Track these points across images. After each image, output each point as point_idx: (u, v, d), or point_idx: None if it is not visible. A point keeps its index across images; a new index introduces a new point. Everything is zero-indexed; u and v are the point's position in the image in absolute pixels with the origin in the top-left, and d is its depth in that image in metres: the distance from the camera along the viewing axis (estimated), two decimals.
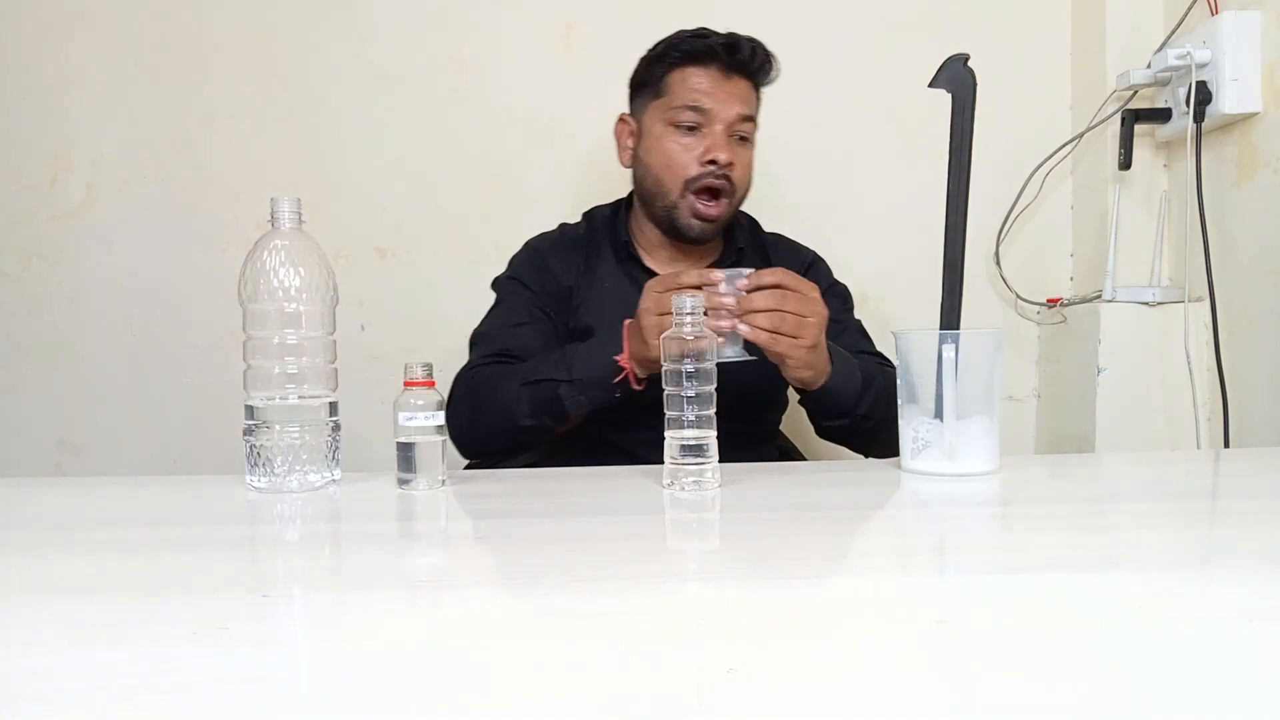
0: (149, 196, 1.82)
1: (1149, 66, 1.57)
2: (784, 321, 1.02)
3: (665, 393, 0.90)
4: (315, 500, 0.88)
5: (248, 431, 0.91)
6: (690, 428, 0.89)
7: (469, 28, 1.81)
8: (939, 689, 0.43)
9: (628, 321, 1.10)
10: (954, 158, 0.96)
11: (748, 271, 1.05)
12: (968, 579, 0.62)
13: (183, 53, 1.81)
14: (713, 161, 1.23)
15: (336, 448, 0.94)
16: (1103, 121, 1.68)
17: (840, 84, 1.80)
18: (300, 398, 0.91)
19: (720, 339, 1.00)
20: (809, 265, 1.38)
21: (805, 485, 0.98)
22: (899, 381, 0.98)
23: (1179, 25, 1.58)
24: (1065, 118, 1.79)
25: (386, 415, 0.93)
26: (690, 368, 0.88)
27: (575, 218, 1.43)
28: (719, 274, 1.04)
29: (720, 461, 0.91)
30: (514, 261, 1.38)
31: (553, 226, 1.42)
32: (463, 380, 1.23)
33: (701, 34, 1.26)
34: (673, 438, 0.90)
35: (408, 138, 1.82)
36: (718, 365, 0.91)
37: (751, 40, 1.26)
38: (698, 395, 0.89)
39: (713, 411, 0.90)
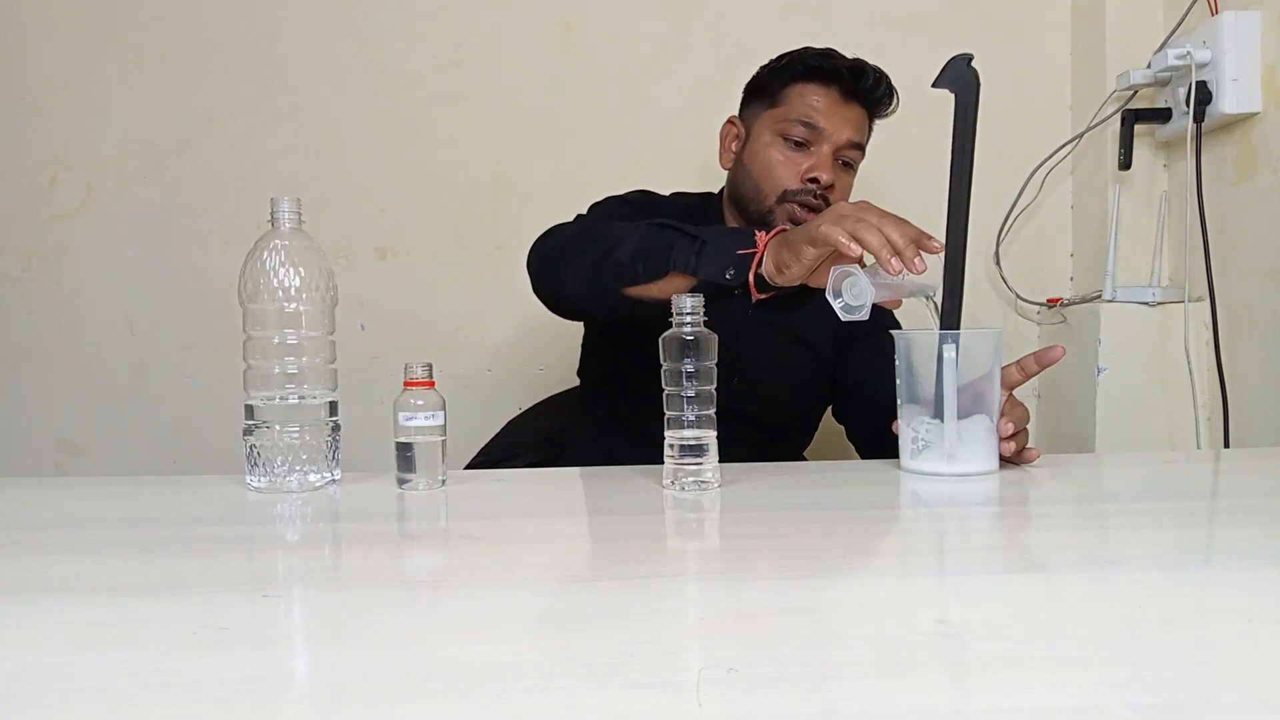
0: (149, 196, 1.82)
1: (1149, 66, 1.57)
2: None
3: (665, 393, 0.90)
4: (315, 500, 0.88)
5: (247, 431, 0.91)
6: (690, 428, 0.89)
7: (469, 28, 1.81)
8: (939, 689, 0.43)
9: (782, 227, 1.00)
10: (956, 158, 0.95)
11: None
12: (968, 579, 0.62)
13: (183, 53, 1.81)
14: (814, 180, 1.23)
15: (336, 448, 0.94)
16: (1103, 121, 1.68)
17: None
18: (300, 398, 0.91)
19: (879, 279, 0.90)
20: None
21: (805, 485, 0.98)
22: (898, 382, 0.98)
23: (1179, 25, 1.58)
24: (1065, 118, 1.79)
25: (386, 415, 0.93)
26: (690, 367, 0.88)
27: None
28: (939, 245, 0.93)
29: (722, 461, 0.91)
30: (624, 194, 1.32)
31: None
32: (583, 216, 1.20)
33: (828, 54, 1.26)
34: (673, 437, 0.90)
35: (408, 138, 1.82)
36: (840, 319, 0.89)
37: (878, 71, 1.25)
38: (698, 395, 0.89)
39: (713, 411, 0.90)
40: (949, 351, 0.93)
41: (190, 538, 0.77)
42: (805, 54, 1.26)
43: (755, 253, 0.95)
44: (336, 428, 0.94)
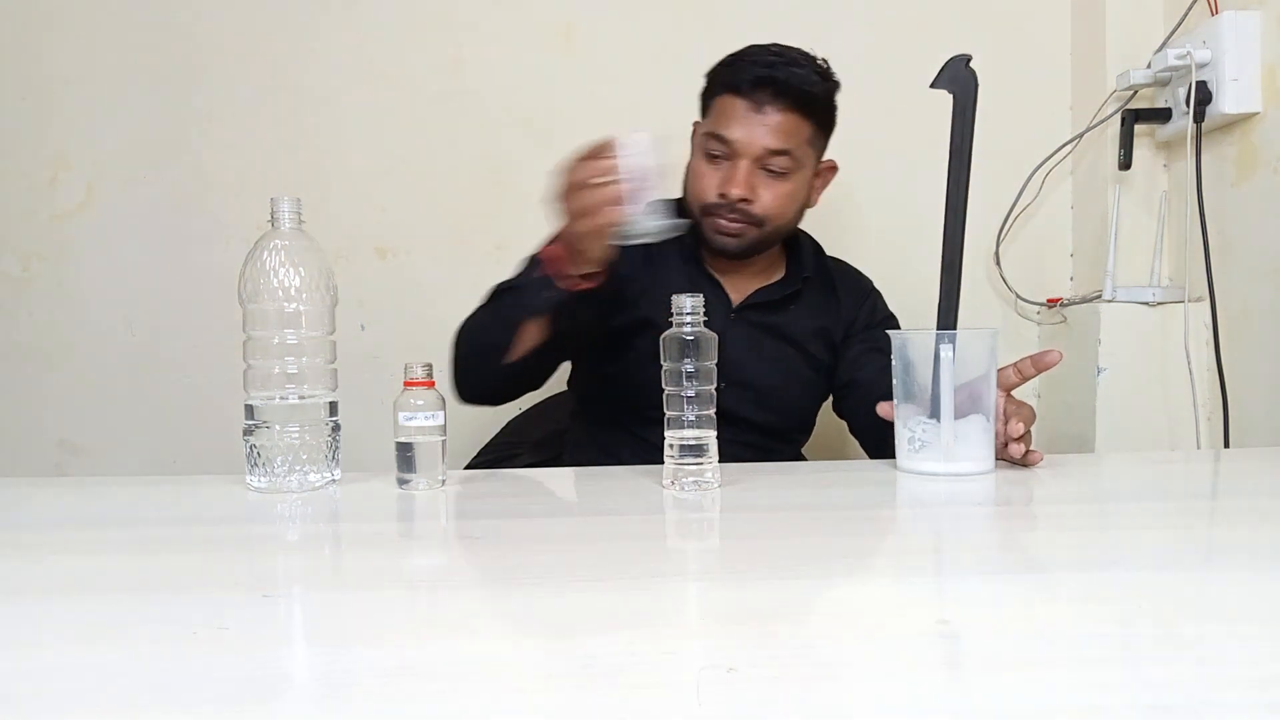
0: (149, 196, 1.82)
1: (1149, 66, 1.57)
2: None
3: (665, 393, 0.90)
4: (315, 500, 0.88)
5: (248, 431, 0.91)
6: (690, 428, 0.89)
7: (469, 28, 1.81)
8: (939, 689, 0.43)
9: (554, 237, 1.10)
10: (954, 159, 0.95)
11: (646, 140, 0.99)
12: (968, 579, 0.62)
13: (182, 53, 1.81)
14: (724, 195, 1.22)
15: (336, 448, 0.94)
16: (1103, 121, 1.68)
17: (840, 83, 1.80)
18: (300, 398, 0.91)
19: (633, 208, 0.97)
20: (868, 294, 1.39)
21: (805, 485, 0.98)
22: (894, 381, 0.98)
23: (1179, 25, 1.58)
24: (1065, 118, 1.79)
25: (386, 415, 0.93)
26: (690, 367, 0.88)
27: None
28: (638, 140, 0.99)
29: (720, 462, 0.91)
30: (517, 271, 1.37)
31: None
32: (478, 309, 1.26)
33: (748, 59, 1.23)
34: (673, 437, 0.90)
35: (408, 138, 1.82)
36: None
37: (795, 70, 1.21)
38: (698, 395, 0.89)
39: (713, 411, 0.90)
40: (945, 351, 0.93)
41: (190, 538, 0.77)
42: (728, 62, 1.25)
43: (545, 272, 1.08)
44: (336, 428, 0.94)
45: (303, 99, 1.81)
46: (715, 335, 0.90)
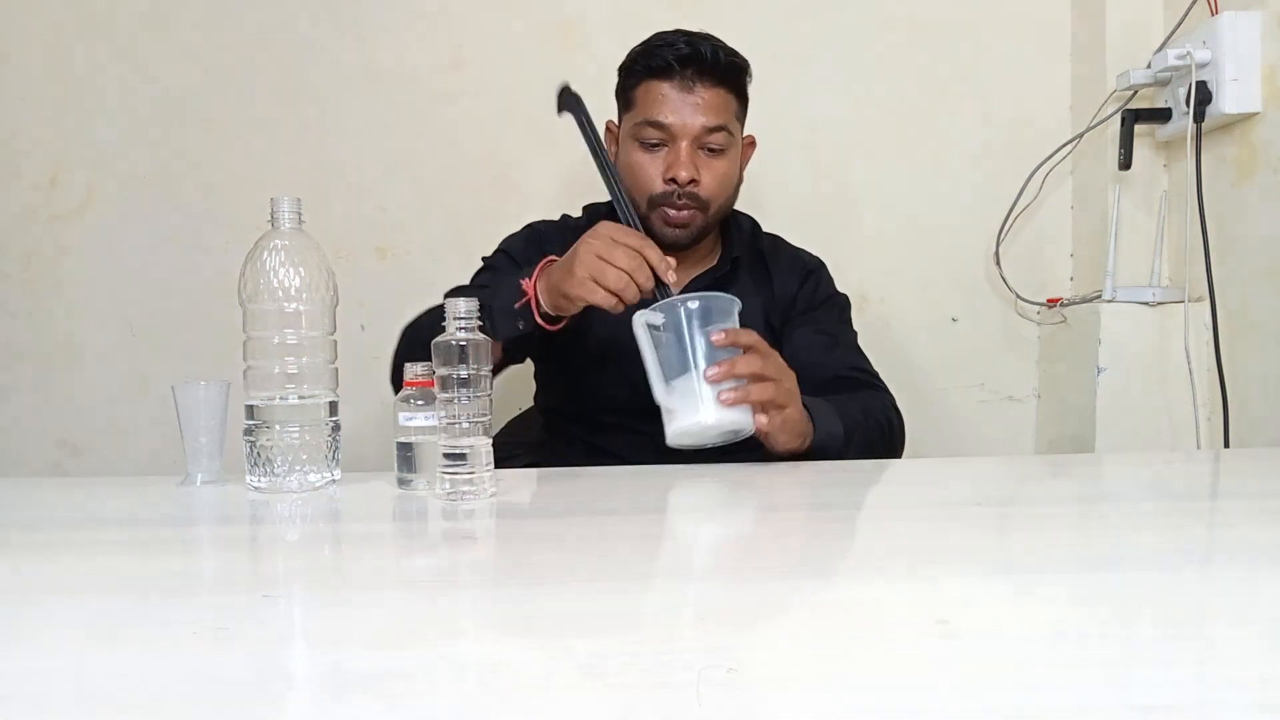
0: (149, 196, 1.82)
1: (1149, 66, 1.57)
2: (770, 390, 0.97)
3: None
4: (315, 500, 0.88)
5: (248, 431, 0.91)
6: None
7: (469, 28, 1.81)
8: (939, 689, 0.43)
9: (551, 257, 1.09)
10: (602, 167, 1.08)
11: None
12: (968, 579, 0.62)
13: (183, 53, 1.81)
14: (674, 180, 1.22)
15: (336, 448, 0.94)
16: (1103, 121, 1.68)
17: (840, 83, 1.80)
18: (300, 398, 0.91)
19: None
20: (809, 273, 1.36)
21: (806, 485, 0.98)
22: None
23: (1179, 25, 1.58)
24: (1065, 118, 1.79)
25: (386, 415, 0.93)
26: (464, 374, 0.85)
27: (562, 217, 1.43)
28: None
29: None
30: (508, 239, 1.37)
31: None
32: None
33: (664, 43, 1.23)
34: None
35: (408, 138, 1.82)
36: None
37: (714, 45, 1.22)
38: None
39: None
40: (638, 318, 0.99)
41: (190, 538, 0.77)
42: (642, 50, 1.25)
43: (528, 297, 1.07)
44: (336, 428, 0.94)
45: (303, 99, 1.81)
46: None
